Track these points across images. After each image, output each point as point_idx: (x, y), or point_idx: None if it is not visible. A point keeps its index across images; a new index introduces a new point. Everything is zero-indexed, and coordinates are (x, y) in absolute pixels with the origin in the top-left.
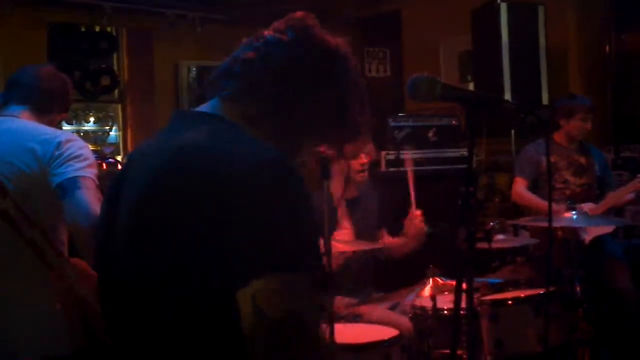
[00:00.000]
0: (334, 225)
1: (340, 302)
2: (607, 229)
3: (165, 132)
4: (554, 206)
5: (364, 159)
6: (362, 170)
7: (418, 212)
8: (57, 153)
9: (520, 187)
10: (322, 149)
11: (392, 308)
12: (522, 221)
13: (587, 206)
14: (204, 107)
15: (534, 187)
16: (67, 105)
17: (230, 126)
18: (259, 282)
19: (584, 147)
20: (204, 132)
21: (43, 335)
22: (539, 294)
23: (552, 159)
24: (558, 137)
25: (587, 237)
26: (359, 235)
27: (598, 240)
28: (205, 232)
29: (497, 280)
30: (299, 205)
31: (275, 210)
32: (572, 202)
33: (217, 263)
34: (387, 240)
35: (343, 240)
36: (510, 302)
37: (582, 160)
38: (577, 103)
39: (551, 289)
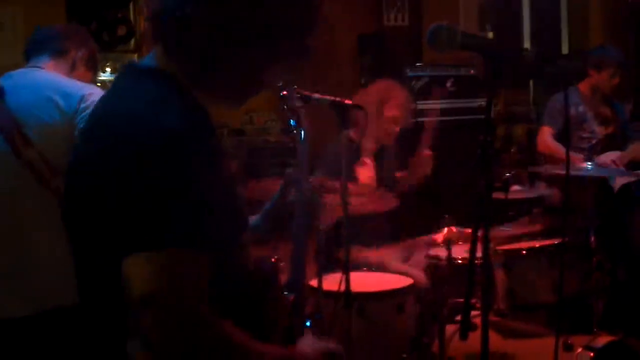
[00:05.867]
0: (350, 175)
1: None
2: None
3: (107, 93)
4: (574, 155)
5: (395, 110)
6: (395, 120)
7: (428, 153)
8: (82, 106)
9: (547, 136)
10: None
11: (406, 260)
12: (539, 169)
13: (613, 155)
14: (150, 61)
15: (559, 138)
16: (85, 42)
17: (168, 88)
18: (131, 257)
19: (607, 97)
20: (130, 99)
21: (60, 287)
22: (553, 244)
23: (581, 109)
24: (583, 87)
25: (617, 184)
26: (380, 181)
27: (628, 187)
28: (103, 200)
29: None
30: (186, 180)
31: (156, 181)
32: (593, 151)
33: (112, 231)
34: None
35: (361, 194)
36: (524, 252)
37: (607, 111)
38: (608, 57)
39: (566, 239)
